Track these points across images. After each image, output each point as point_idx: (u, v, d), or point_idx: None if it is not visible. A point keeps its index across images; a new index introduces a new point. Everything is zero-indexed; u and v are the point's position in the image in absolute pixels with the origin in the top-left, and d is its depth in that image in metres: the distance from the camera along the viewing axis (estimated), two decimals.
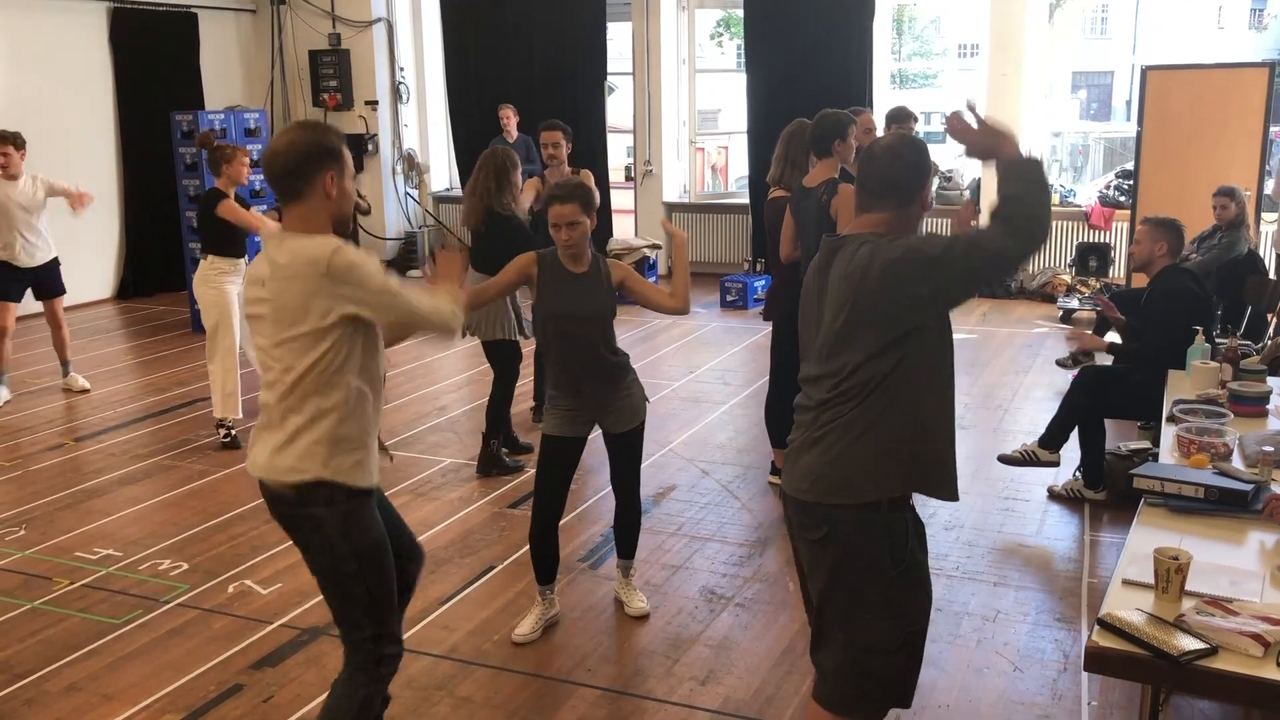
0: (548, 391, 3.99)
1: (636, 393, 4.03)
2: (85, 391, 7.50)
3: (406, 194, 12.47)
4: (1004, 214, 2.45)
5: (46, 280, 7.38)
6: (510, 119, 9.42)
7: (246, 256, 6.33)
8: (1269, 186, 8.21)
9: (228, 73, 11.95)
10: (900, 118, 6.72)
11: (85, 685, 3.79)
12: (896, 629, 2.63)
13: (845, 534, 2.60)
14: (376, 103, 12.01)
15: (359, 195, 6.32)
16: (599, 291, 3.86)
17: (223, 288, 6.19)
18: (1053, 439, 5.34)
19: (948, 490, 2.67)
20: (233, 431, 6.35)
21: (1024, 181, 2.46)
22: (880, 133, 7.01)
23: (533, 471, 5.74)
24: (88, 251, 10.62)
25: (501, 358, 5.77)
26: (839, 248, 2.65)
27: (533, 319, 3.99)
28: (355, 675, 2.85)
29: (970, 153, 2.63)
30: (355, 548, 2.76)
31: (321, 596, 4.14)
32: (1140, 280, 5.69)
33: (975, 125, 2.56)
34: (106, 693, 3.74)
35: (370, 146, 11.99)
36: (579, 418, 3.95)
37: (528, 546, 4.84)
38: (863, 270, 2.54)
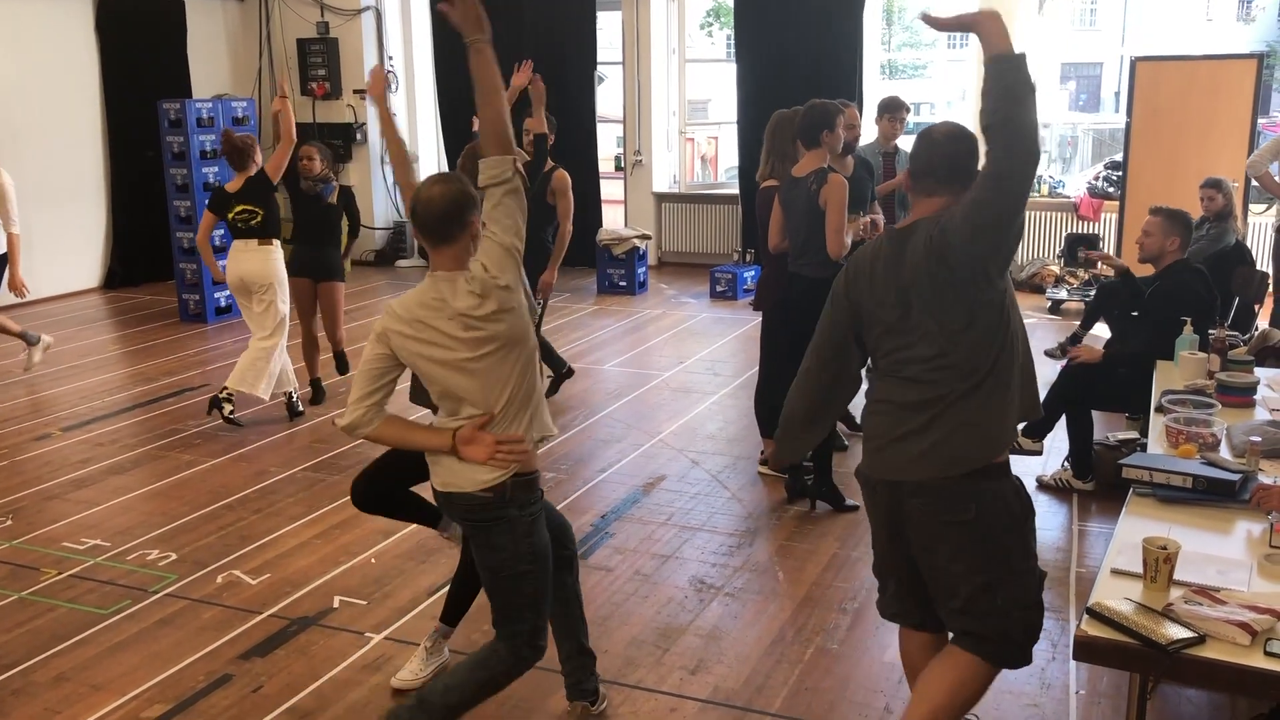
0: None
1: None
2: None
3: (395, 184, 12.42)
4: (991, 137, 2.54)
5: None
6: None
7: None
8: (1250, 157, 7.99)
9: (215, 61, 11.88)
10: (893, 107, 6.71)
11: (73, 675, 3.78)
12: (1037, 574, 2.84)
13: (990, 502, 2.71)
14: (365, 91, 11.96)
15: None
16: None
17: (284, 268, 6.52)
18: (1036, 428, 5.34)
19: (1037, 408, 2.89)
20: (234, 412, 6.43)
21: (1003, 88, 2.50)
22: (872, 123, 7.00)
23: None
24: (74, 241, 10.57)
25: None
26: (911, 234, 2.72)
27: None
28: (504, 649, 3.03)
29: (945, 27, 2.69)
30: (534, 547, 2.98)
31: (310, 587, 4.13)
32: (1136, 267, 5.68)
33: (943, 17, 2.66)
34: (94, 683, 3.72)
35: (359, 136, 11.95)
36: None
37: None
38: (943, 236, 2.62)
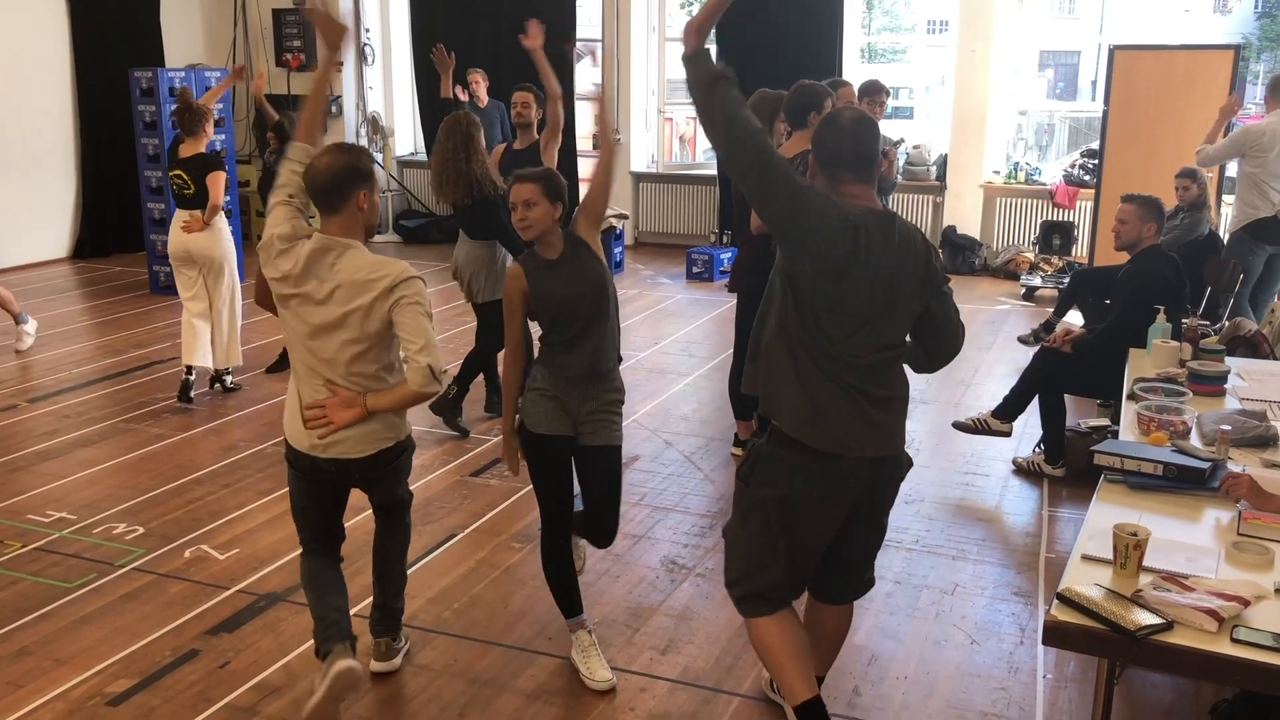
0: (533, 386, 3.48)
1: (619, 412, 3.58)
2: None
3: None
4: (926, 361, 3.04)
5: None
6: (480, 84, 9.30)
7: None
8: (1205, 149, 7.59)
9: (189, 30, 11.72)
10: (873, 90, 6.69)
11: (37, 649, 3.74)
12: None
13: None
14: (341, 64, 11.83)
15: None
16: (584, 267, 3.46)
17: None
18: (1007, 410, 5.36)
19: None
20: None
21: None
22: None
23: (493, 440, 5.72)
24: (43, 210, 10.42)
25: (493, 317, 5.62)
26: (891, 221, 2.77)
27: (538, 320, 3.52)
28: (405, 516, 3.59)
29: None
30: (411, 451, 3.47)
31: (279, 563, 4.12)
32: (1108, 257, 5.69)
33: None
34: (58, 657, 3.69)
35: (333, 109, 11.83)
36: (566, 417, 3.47)
37: (489, 515, 4.85)
38: (924, 252, 2.82)
